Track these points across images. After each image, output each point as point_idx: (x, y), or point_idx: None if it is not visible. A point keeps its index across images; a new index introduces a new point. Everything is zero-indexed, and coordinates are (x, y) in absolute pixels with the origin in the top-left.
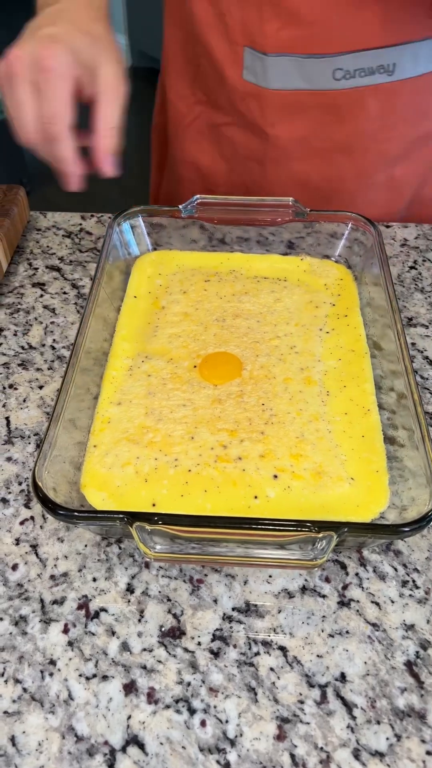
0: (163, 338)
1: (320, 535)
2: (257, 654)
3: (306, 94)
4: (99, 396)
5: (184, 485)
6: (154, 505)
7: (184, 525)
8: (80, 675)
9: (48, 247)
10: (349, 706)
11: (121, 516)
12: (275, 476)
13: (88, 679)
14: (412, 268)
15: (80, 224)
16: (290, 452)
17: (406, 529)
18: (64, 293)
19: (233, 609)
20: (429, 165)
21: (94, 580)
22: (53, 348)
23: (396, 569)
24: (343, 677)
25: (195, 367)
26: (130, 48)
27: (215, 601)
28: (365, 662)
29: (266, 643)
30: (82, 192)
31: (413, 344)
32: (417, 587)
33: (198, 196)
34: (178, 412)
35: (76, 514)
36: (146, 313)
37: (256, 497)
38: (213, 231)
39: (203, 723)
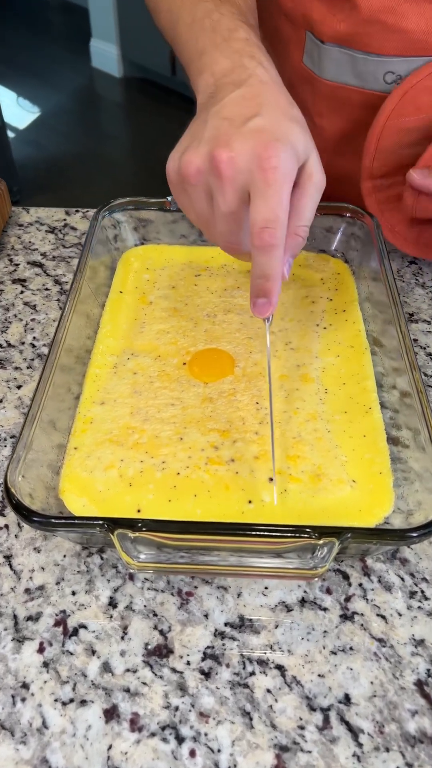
0: (150, 334)
1: (321, 541)
2: (252, 674)
3: (355, 91)
4: (81, 396)
5: (172, 489)
6: (139, 511)
7: (171, 531)
8: (56, 700)
9: (30, 242)
10: (354, 732)
11: (100, 522)
12: (270, 479)
13: (64, 704)
14: (412, 262)
15: (64, 219)
16: (287, 453)
17: (414, 534)
18: (46, 289)
19: (226, 624)
20: None
21: (73, 593)
22: (33, 346)
23: (403, 579)
24: (347, 699)
25: (184, 364)
26: (122, 58)
27: (206, 615)
28: (371, 682)
29: (262, 662)
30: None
31: (415, 340)
32: (426, 598)
33: None
34: (165, 412)
35: (52, 521)
36: (132, 309)
37: (250, 502)
38: None
39: (192, 753)
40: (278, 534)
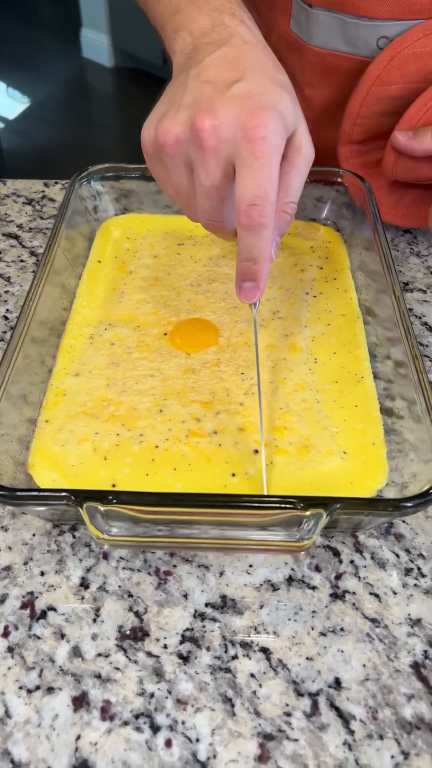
0: (129, 304)
1: (308, 513)
2: (235, 657)
3: (346, 58)
4: (53, 368)
5: (150, 463)
6: (114, 485)
7: (145, 504)
8: (20, 687)
9: (6, 214)
10: (345, 719)
11: (66, 494)
12: (255, 451)
13: (29, 691)
14: (407, 232)
15: (42, 191)
16: (273, 425)
17: (409, 504)
18: (21, 261)
19: (207, 605)
20: None
21: (42, 574)
22: (6, 318)
23: (398, 555)
24: (337, 683)
25: (165, 334)
26: (113, 48)
27: (185, 596)
28: (364, 665)
29: (246, 645)
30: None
31: (410, 310)
32: (423, 575)
33: None
34: (144, 383)
35: (17, 494)
36: (111, 279)
37: (233, 475)
38: None
39: (168, 743)
40: (262, 505)
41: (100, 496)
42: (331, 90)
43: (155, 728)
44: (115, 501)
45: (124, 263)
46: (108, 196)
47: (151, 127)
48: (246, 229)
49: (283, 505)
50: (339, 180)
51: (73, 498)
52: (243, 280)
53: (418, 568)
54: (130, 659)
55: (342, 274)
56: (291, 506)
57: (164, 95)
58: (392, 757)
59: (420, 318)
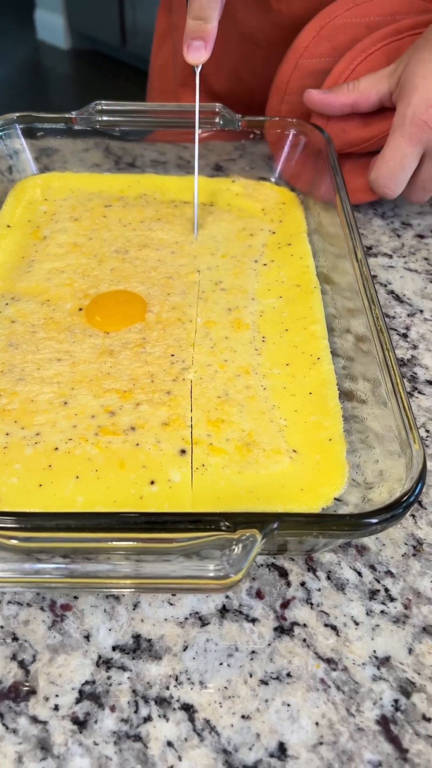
0: (39, 274)
1: (236, 535)
2: (148, 719)
3: None
4: None
5: (46, 471)
6: None
7: (16, 529)
8: None
9: None
10: None
11: None
12: (183, 451)
13: None
14: None
15: None
16: (207, 417)
17: (374, 520)
18: None
19: (114, 648)
20: None
21: None
22: None
23: (360, 574)
24: (282, 751)
25: (80, 309)
26: (69, 29)
27: (87, 637)
28: (317, 723)
29: (163, 701)
30: None
31: (374, 277)
32: (392, 599)
33: (97, 102)
34: (48, 369)
35: None
36: (21, 246)
37: (152, 483)
38: (121, 153)
39: None
40: (171, 526)
41: None
42: (302, 3)
43: None
44: None
45: (38, 228)
46: (27, 155)
47: None
48: None
49: (201, 525)
50: (294, 132)
51: None
52: (192, 38)
53: (386, 590)
54: (7, 728)
55: (297, 239)
56: (212, 527)
57: None
58: None
59: (385, 286)
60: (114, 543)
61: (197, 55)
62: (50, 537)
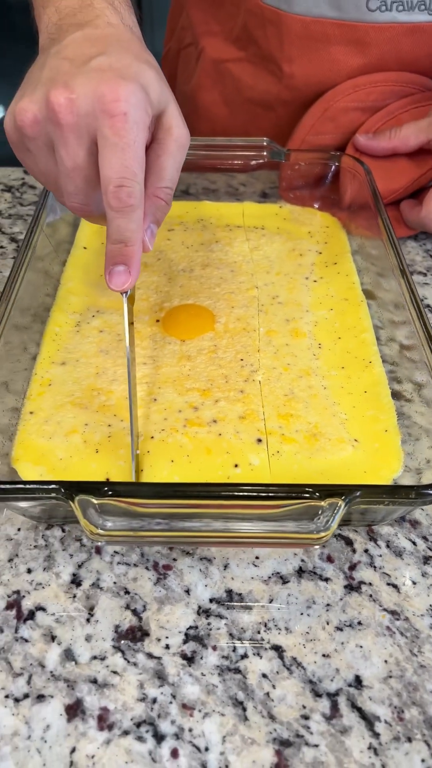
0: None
1: (324, 503)
2: (244, 657)
3: (332, 24)
4: (38, 356)
5: (146, 455)
6: (108, 479)
7: (144, 496)
8: (7, 696)
9: None
10: (369, 720)
11: (56, 487)
12: (259, 440)
13: (17, 700)
14: None
15: (23, 178)
16: (278, 412)
17: None
18: (1, 247)
19: (211, 600)
20: None
21: (29, 571)
22: None
23: (414, 543)
24: (358, 682)
25: (158, 321)
26: None
27: (187, 591)
28: (386, 661)
29: (256, 642)
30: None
31: None
32: None
33: None
34: (137, 372)
35: (0, 487)
36: (98, 265)
37: (236, 465)
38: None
39: (175, 753)
40: (273, 495)
41: (93, 488)
42: (313, 64)
43: (159, 737)
44: (110, 493)
45: None
46: None
47: (9, 111)
48: (115, 210)
49: (296, 495)
50: (336, 164)
51: (63, 490)
52: (114, 264)
53: None
54: (128, 662)
55: (342, 258)
56: (307, 496)
57: (25, 78)
58: (423, 760)
59: (422, 301)
60: (232, 509)
61: (121, 280)
62: (183, 503)
